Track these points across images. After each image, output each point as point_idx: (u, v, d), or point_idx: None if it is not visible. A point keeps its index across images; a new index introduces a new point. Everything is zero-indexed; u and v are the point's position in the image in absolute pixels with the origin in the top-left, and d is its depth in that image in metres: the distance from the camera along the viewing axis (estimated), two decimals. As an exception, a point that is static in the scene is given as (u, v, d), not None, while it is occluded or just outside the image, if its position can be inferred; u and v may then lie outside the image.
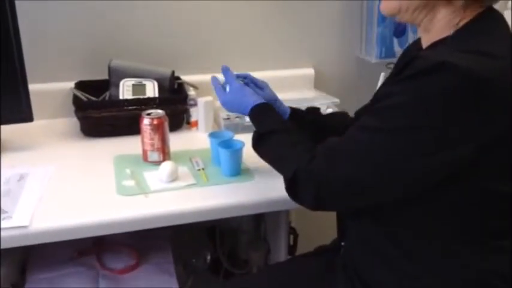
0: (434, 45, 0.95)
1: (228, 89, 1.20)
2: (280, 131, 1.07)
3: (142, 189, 1.19)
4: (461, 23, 0.92)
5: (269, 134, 1.07)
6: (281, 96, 1.29)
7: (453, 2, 0.91)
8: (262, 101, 1.15)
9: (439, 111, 0.82)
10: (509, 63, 0.86)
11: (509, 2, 1.82)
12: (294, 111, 1.28)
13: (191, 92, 1.58)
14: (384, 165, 0.87)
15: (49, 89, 1.57)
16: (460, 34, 0.91)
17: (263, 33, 1.75)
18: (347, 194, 0.92)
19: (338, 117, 1.32)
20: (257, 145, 1.10)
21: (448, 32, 0.92)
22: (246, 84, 1.24)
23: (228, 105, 1.20)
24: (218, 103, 1.57)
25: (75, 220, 1.08)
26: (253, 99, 1.15)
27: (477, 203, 0.90)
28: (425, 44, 0.99)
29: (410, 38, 1.76)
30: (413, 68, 0.84)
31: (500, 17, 0.95)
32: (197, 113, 1.55)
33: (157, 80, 1.55)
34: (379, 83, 1.27)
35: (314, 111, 1.30)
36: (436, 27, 0.95)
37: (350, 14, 1.80)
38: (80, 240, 1.10)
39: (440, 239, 0.93)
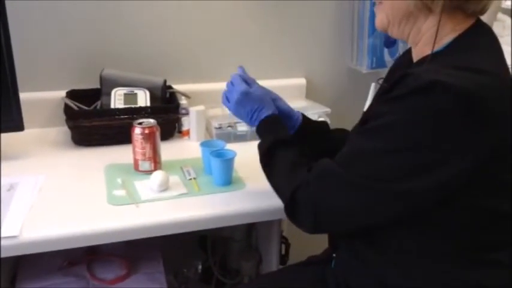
0: (424, 59, 0.95)
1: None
2: (282, 146, 1.06)
3: (133, 198, 1.18)
4: (449, 37, 0.93)
5: (274, 146, 1.06)
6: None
7: (434, 11, 0.92)
8: (269, 112, 1.12)
9: (432, 131, 0.82)
10: (499, 77, 0.86)
11: (499, 13, 1.85)
12: (305, 119, 1.25)
13: (183, 101, 1.58)
14: (381, 189, 0.86)
15: (40, 97, 1.57)
16: (450, 49, 0.92)
17: (255, 43, 1.75)
18: (345, 220, 0.93)
19: (341, 132, 1.30)
20: (263, 162, 1.08)
21: (435, 45, 0.93)
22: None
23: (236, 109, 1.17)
24: (210, 112, 1.59)
25: (66, 230, 1.07)
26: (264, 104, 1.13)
27: (469, 220, 0.90)
28: (415, 57, 1.00)
29: (401, 48, 1.78)
30: (404, 87, 0.84)
31: (488, 31, 0.96)
32: (189, 122, 1.55)
33: (149, 89, 1.55)
34: (370, 93, 1.28)
35: (324, 125, 1.29)
36: (423, 39, 0.96)
37: (341, 25, 1.81)
38: (71, 249, 1.09)
39: (431, 253, 0.93)
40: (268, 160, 1.06)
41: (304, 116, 1.25)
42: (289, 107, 1.24)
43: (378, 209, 0.89)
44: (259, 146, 1.09)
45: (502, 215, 0.92)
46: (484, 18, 0.98)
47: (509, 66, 1.83)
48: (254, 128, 1.13)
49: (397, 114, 0.84)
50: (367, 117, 0.92)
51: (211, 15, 1.67)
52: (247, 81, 1.18)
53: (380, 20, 1.00)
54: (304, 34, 1.79)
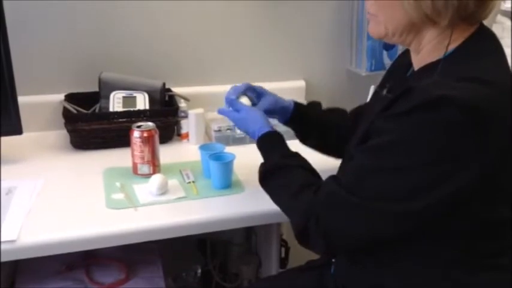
0: (425, 68, 0.94)
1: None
2: (284, 167, 1.05)
3: (131, 202, 1.18)
4: (453, 45, 0.91)
5: (274, 169, 1.06)
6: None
7: (439, 23, 0.89)
8: (268, 128, 1.13)
9: (441, 147, 0.81)
10: (502, 87, 0.85)
11: (498, 15, 1.85)
12: (297, 106, 1.27)
13: (182, 104, 1.58)
14: (391, 209, 0.85)
15: (39, 101, 1.56)
16: (453, 58, 0.90)
17: (254, 46, 1.75)
18: (356, 242, 0.93)
19: (338, 114, 1.32)
20: (263, 181, 1.08)
21: (438, 54, 0.91)
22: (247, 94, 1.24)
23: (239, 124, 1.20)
24: (209, 115, 1.58)
25: (64, 234, 1.07)
26: (258, 126, 1.14)
27: (470, 227, 0.89)
28: (416, 65, 0.98)
29: (400, 51, 1.77)
30: (410, 102, 0.82)
31: (491, 36, 0.94)
32: (188, 125, 1.54)
33: (148, 92, 1.55)
34: (369, 96, 1.28)
35: (316, 106, 1.31)
36: (426, 49, 0.94)
37: (340, 28, 1.81)
38: (69, 254, 1.08)
39: (431, 260, 0.92)
40: (271, 182, 1.07)
41: (296, 103, 1.27)
42: (279, 97, 1.26)
43: (388, 230, 0.88)
44: (262, 164, 1.10)
45: (503, 222, 0.91)
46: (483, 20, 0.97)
47: (511, 68, 1.84)
48: (249, 137, 1.14)
49: (403, 132, 0.83)
50: (368, 131, 0.91)
51: (210, 18, 1.67)
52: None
53: (377, 31, 0.96)
54: (303, 37, 1.79)
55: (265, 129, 1.13)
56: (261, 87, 1.26)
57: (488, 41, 0.93)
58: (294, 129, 1.30)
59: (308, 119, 1.27)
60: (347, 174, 0.92)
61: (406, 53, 1.05)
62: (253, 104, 1.24)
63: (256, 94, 1.25)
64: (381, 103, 0.91)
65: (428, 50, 0.94)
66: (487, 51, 0.91)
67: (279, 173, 1.05)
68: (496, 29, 1.85)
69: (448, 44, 0.90)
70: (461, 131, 0.80)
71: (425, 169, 0.83)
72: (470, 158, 0.82)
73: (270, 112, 1.23)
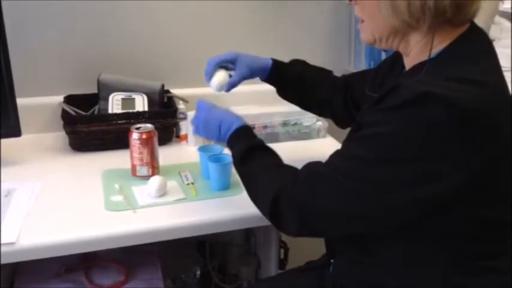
0: (415, 68, 0.95)
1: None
2: (262, 149, 1.06)
3: (130, 204, 1.18)
4: (439, 47, 0.91)
5: (251, 151, 1.05)
6: (270, 109, 1.29)
7: (420, 28, 0.90)
8: (239, 123, 1.11)
9: (423, 144, 0.81)
10: (492, 88, 0.86)
11: (497, 16, 1.84)
12: (276, 64, 1.29)
13: (181, 106, 1.58)
14: (370, 194, 0.86)
15: (37, 103, 1.56)
16: (439, 59, 0.90)
17: (252, 47, 1.74)
18: (332, 224, 0.92)
19: (322, 74, 1.34)
20: (239, 164, 1.07)
21: (426, 55, 0.91)
22: (223, 67, 1.26)
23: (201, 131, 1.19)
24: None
25: (63, 236, 1.07)
26: (227, 125, 1.12)
27: (467, 229, 0.89)
28: (407, 66, 0.99)
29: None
30: (397, 97, 0.83)
31: (481, 36, 0.94)
32: (187, 127, 1.54)
33: (147, 93, 1.55)
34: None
35: (297, 64, 1.33)
36: (414, 51, 0.95)
37: (339, 28, 1.81)
38: (68, 256, 1.08)
39: (429, 261, 0.92)
40: (245, 167, 1.05)
41: (274, 61, 1.30)
42: (255, 56, 1.29)
43: (363, 215, 0.88)
44: (233, 156, 1.08)
45: (501, 224, 0.91)
46: (481, 21, 0.96)
47: (509, 70, 1.84)
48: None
49: (388, 125, 0.84)
50: (359, 124, 0.92)
51: (208, 19, 1.67)
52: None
53: (366, 38, 0.99)
54: (301, 37, 1.79)
55: (234, 127, 1.11)
56: (233, 53, 1.27)
57: (478, 41, 0.93)
58: (273, 86, 1.33)
59: (287, 77, 1.29)
60: (332, 157, 0.93)
61: (396, 56, 1.06)
62: (230, 75, 1.27)
63: (231, 62, 1.27)
64: (370, 101, 0.93)
65: (416, 52, 0.95)
66: (477, 52, 0.91)
67: (257, 155, 1.05)
68: (494, 30, 1.85)
69: (431, 47, 0.90)
70: (447, 130, 0.80)
71: (405, 164, 0.83)
72: (458, 159, 0.82)
73: (248, 75, 1.27)
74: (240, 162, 1.06)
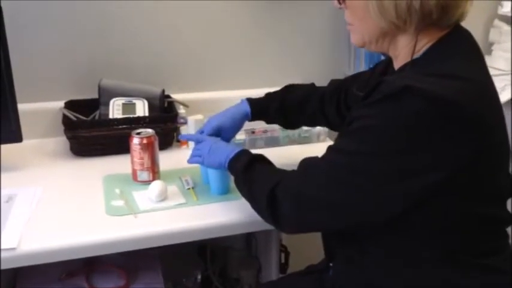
0: (401, 69, 0.97)
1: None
2: (261, 161, 1.09)
3: (131, 209, 1.18)
4: (426, 47, 0.93)
5: (250, 163, 1.08)
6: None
7: (408, 30, 0.92)
8: (235, 151, 1.14)
9: (405, 136, 0.83)
10: (474, 83, 0.87)
11: (496, 20, 1.85)
12: (254, 106, 1.31)
13: (181, 111, 1.58)
14: (359, 185, 0.87)
15: (38, 108, 1.57)
16: (424, 57, 0.93)
17: (253, 51, 1.76)
18: (326, 214, 0.93)
19: (305, 91, 1.35)
20: (242, 173, 1.09)
21: (415, 54, 0.93)
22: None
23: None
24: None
25: (64, 241, 1.07)
26: (226, 154, 1.14)
27: (464, 226, 0.90)
28: (396, 68, 1.01)
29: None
30: (379, 93, 0.85)
31: (466, 36, 0.95)
32: (187, 132, 1.55)
33: (148, 98, 1.56)
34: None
35: (272, 97, 1.34)
36: (402, 53, 0.97)
37: (338, 31, 1.82)
38: (69, 261, 1.08)
39: (426, 260, 0.92)
40: (245, 176, 1.07)
41: (251, 103, 1.32)
42: (232, 112, 1.32)
43: (354, 205, 0.89)
44: (234, 174, 1.11)
45: (495, 221, 0.92)
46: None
47: (509, 73, 1.84)
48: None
49: (374, 119, 0.86)
50: (348, 120, 0.94)
51: (208, 24, 1.68)
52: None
53: (356, 40, 1.01)
54: (301, 41, 1.80)
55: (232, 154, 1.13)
56: (214, 126, 1.29)
57: (462, 41, 0.94)
58: (261, 120, 1.35)
59: (268, 111, 1.32)
60: (326, 151, 0.95)
61: (388, 61, 1.08)
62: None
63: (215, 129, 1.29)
64: (357, 99, 0.95)
65: (404, 55, 0.97)
66: (459, 51, 0.92)
67: (253, 167, 1.07)
68: (493, 34, 1.85)
69: (415, 47, 0.93)
70: (429, 121, 0.82)
71: (387, 157, 0.85)
72: (433, 149, 0.83)
73: (236, 130, 1.32)
74: (243, 171, 1.08)
